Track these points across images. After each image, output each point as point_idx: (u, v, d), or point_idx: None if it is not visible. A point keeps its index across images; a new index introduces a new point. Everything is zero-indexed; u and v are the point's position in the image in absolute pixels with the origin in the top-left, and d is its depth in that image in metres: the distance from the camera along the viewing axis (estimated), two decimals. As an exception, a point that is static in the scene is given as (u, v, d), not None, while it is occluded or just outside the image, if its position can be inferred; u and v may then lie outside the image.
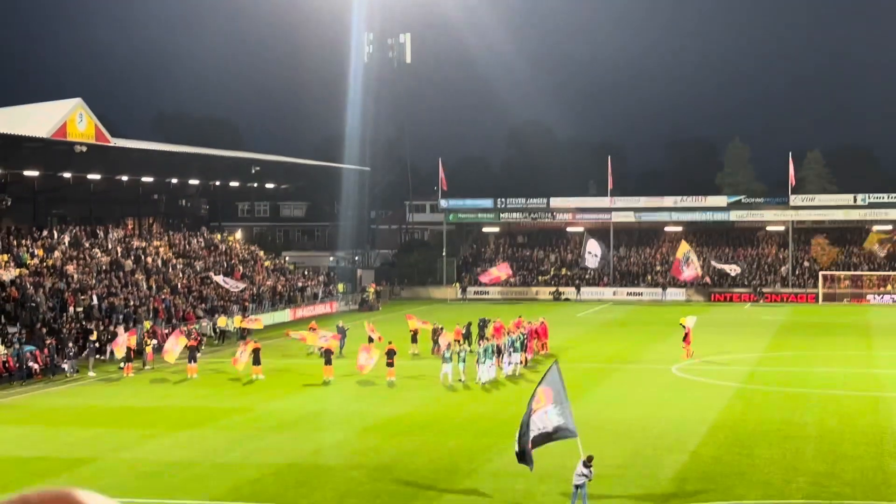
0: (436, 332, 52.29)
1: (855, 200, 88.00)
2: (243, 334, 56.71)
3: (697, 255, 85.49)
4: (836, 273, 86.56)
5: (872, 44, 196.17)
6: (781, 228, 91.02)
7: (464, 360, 41.83)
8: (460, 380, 41.05)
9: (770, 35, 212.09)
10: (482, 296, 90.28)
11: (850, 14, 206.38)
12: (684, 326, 50.20)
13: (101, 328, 51.83)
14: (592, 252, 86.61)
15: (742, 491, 25.19)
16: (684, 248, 79.89)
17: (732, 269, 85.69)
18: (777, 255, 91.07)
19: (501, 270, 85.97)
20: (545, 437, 23.80)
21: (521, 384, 41.43)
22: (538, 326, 50.69)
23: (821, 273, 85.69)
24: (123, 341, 46.74)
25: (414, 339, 51.84)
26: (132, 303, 58.18)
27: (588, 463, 22.89)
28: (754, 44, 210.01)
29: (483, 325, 52.28)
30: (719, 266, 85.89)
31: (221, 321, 60.70)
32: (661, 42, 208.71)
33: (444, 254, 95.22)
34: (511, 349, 43.41)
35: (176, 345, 45.71)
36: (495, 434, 31.62)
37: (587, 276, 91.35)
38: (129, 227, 74.77)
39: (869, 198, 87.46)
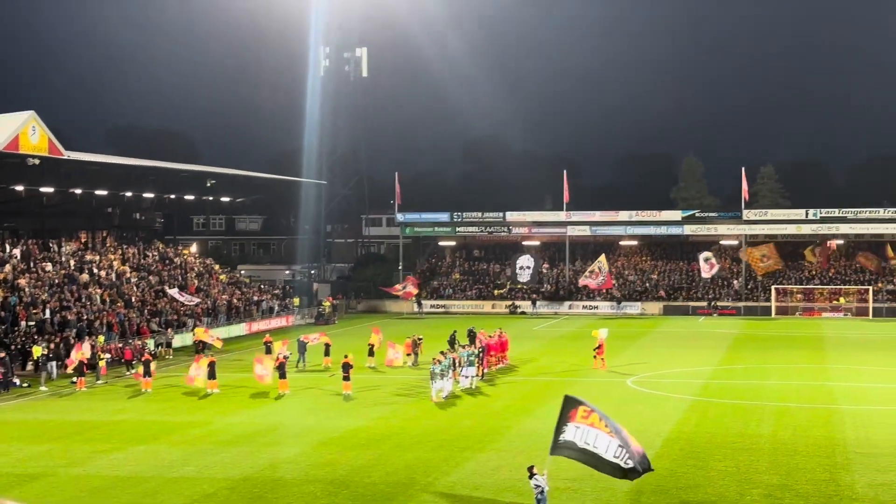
0: (416, 344, 52.59)
1: (807, 215, 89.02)
2: (199, 348, 56.40)
3: (652, 268, 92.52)
4: (789, 287, 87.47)
5: (824, 60, 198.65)
6: (735, 242, 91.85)
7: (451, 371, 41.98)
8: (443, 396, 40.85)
9: (724, 51, 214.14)
10: (438, 309, 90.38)
11: (802, 30, 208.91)
12: (596, 340, 51.08)
13: (54, 342, 51.25)
14: (524, 266, 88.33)
15: (697, 503, 25.34)
16: (602, 260, 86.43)
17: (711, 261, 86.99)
18: (730, 268, 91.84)
19: (409, 285, 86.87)
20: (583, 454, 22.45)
21: (479, 397, 41.53)
22: (496, 339, 50.83)
23: (773, 287, 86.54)
24: (74, 356, 46.42)
25: (371, 353, 51.79)
26: (85, 317, 57.62)
27: (532, 473, 22.77)
28: (709, 60, 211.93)
29: (471, 336, 52.20)
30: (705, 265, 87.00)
31: (200, 332, 60.42)
32: (616, 58, 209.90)
33: (400, 267, 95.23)
34: (466, 363, 43.40)
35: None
36: (452, 447, 31.62)
37: (542, 290, 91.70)
38: (83, 240, 74.09)
39: (820, 212, 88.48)
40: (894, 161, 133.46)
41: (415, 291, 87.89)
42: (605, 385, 45.29)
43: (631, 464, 21.30)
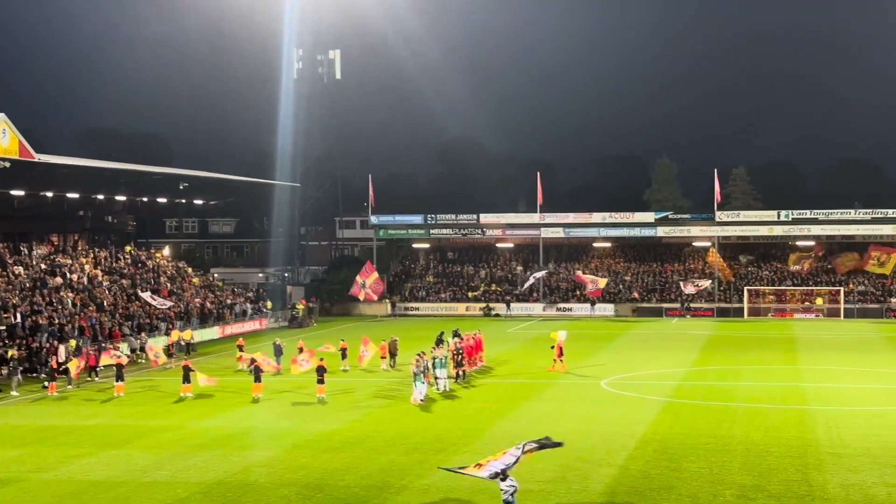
0: (392, 346, 52.62)
1: (779, 217, 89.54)
2: (187, 349, 57.91)
3: (625, 269, 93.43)
4: (761, 288, 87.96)
5: (796, 62, 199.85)
6: (707, 244, 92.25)
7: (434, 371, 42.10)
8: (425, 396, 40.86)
9: (697, 54, 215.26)
10: (412, 311, 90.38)
11: (774, 33, 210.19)
12: (554, 343, 51.32)
13: (25, 346, 50.95)
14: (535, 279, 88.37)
15: (670, 504, 25.46)
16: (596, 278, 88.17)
17: (701, 284, 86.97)
18: (703, 270, 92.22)
19: (367, 280, 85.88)
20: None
21: (453, 400, 41.55)
22: (473, 341, 50.92)
23: (746, 288, 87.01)
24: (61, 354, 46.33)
25: (344, 356, 51.74)
26: (57, 321, 57.27)
27: (506, 475, 22.92)
28: (681, 62, 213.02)
29: (439, 341, 52.20)
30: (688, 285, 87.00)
31: (187, 334, 61.96)
32: (589, 59, 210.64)
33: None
34: (439, 365, 43.38)
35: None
36: (426, 450, 31.61)
37: (516, 292, 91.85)
38: (54, 243, 73.60)
39: (792, 214, 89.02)
40: (866, 163, 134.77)
41: (377, 287, 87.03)
42: (579, 387, 45.39)
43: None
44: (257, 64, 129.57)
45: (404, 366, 48.83)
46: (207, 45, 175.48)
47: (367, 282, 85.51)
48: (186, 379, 43.65)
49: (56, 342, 52.62)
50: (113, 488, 27.66)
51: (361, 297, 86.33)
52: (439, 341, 50.68)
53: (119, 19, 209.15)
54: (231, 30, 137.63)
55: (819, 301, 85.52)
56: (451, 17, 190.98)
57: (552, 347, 51.03)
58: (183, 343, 60.64)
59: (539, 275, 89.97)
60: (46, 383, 45.97)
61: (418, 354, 42.30)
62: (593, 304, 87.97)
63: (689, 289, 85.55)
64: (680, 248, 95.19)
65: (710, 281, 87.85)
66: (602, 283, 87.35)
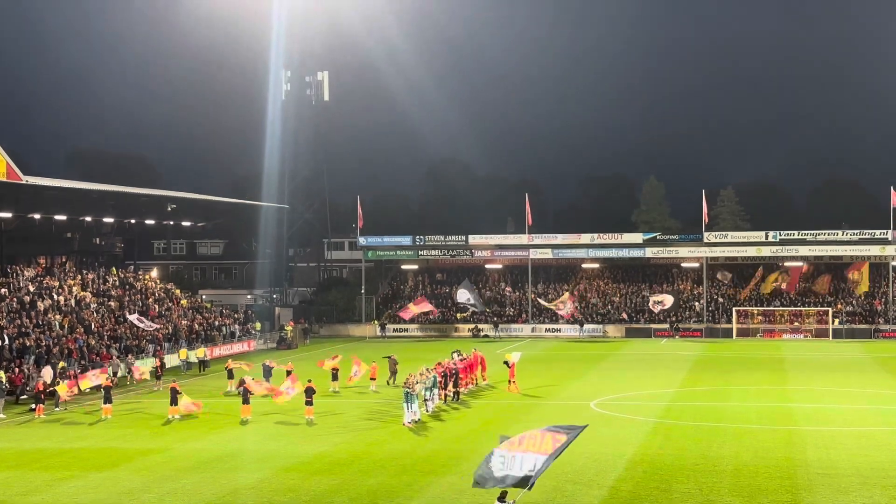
0: (392, 364, 52.88)
1: (766, 237, 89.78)
2: (201, 366, 60.05)
3: (614, 290, 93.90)
4: (750, 308, 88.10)
5: (784, 83, 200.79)
6: (696, 265, 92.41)
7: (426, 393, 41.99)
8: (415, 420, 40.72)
9: (684, 74, 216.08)
10: (401, 333, 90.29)
11: (762, 54, 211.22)
12: (508, 363, 51.93)
13: (13, 369, 50.70)
14: (467, 298, 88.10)
15: (660, 525, 25.39)
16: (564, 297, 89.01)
17: (662, 302, 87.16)
18: (692, 290, 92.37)
19: (420, 305, 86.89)
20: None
21: (443, 421, 41.42)
22: (470, 360, 51.00)
23: (734, 309, 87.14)
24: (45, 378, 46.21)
25: (334, 377, 51.63)
26: (44, 343, 57.03)
27: (504, 499, 22.67)
28: (670, 82, 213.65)
29: (457, 356, 52.14)
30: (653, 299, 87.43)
31: (200, 352, 64.22)
32: (577, 80, 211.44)
33: (362, 291, 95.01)
34: (429, 386, 43.30)
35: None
36: (415, 471, 31.51)
37: (506, 314, 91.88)
38: (42, 265, 73.38)
39: (780, 234, 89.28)
40: (853, 184, 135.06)
41: (425, 309, 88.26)
42: (569, 408, 45.34)
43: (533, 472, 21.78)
44: (245, 85, 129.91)
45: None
46: (195, 66, 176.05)
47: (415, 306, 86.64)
48: (174, 401, 43.48)
49: (42, 365, 52.27)
50: (100, 511, 27.48)
51: (417, 310, 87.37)
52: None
53: (106, 41, 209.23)
54: (219, 51, 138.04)
55: (804, 322, 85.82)
56: (438, 39, 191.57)
57: (505, 363, 51.89)
58: (196, 360, 63.14)
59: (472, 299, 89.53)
60: (33, 406, 45.73)
61: (410, 375, 42.27)
62: (582, 324, 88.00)
63: (655, 308, 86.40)
64: (668, 268, 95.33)
65: (672, 298, 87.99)
66: (568, 303, 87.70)
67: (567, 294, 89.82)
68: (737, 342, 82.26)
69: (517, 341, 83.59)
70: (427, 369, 45.36)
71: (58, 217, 71.06)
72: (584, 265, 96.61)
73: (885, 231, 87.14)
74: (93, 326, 63.70)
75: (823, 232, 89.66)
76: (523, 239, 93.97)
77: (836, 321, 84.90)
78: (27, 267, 70.76)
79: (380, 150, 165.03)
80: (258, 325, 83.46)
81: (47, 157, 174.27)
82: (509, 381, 50.92)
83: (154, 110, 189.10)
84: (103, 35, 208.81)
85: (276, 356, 66.52)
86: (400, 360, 55.14)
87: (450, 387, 46.82)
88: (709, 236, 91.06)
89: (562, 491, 28.49)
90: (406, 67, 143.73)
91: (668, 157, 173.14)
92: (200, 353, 64.45)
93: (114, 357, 59.92)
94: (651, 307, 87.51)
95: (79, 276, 73.03)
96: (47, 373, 50.53)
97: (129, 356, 60.51)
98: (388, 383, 52.29)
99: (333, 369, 52.10)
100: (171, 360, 63.39)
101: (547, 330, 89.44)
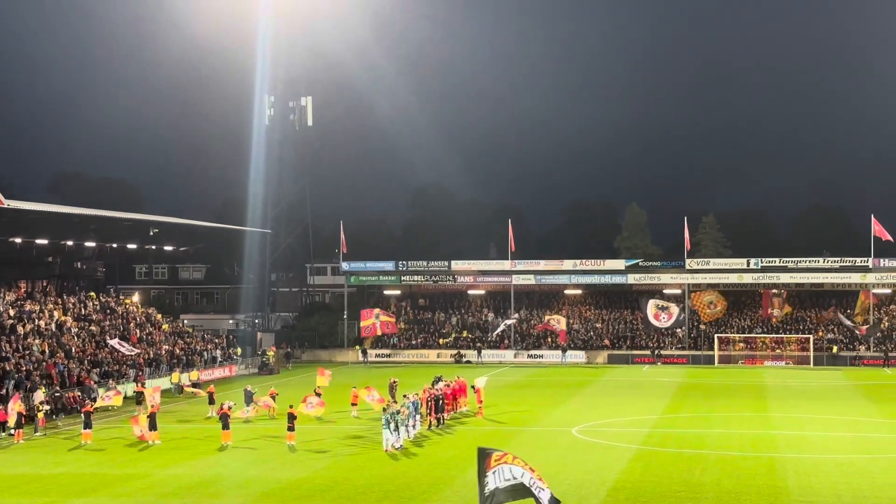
0: (392, 387, 53.04)
1: (748, 264, 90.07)
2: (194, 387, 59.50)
3: (596, 317, 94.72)
4: (731, 335, 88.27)
5: (766, 109, 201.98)
6: (678, 291, 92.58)
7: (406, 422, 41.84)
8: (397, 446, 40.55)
9: (666, 100, 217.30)
10: (383, 359, 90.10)
11: (743, 79, 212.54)
12: (475, 388, 52.43)
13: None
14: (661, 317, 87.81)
15: (642, 553, 25.33)
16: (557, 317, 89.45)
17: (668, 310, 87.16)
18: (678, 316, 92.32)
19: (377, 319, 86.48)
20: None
21: (425, 447, 41.30)
22: (454, 387, 50.90)
23: (716, 336, 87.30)
24: (12, 407, 45.78)
25: (353, 403, 51.86)
26: (24, 367, 56.67)
27: None
28: (651, 109, 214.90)
29: (437, 381, 52.04)
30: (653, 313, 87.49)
31: (194, 375, 65.60)
32: (559, 107, 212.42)
33: (345, 316, 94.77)
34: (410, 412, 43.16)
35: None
36: (397, 497, 31.38)
37: (488, 339, 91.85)
38: (22, 289, 73.01)
39: (762, 262, 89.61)
40: (835, 211, 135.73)
41: (387, 320, 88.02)
42: (551, 434, 45.28)
43: (543, 497, 21.18)
44: (229, 110, 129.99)
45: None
46: (179, 90, 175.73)
47: (379, 318, 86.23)
48: (153, 426, 43.27)
49: (12, 390, 51.84)
50: (78, 538, 27.28)
51: (379, 332, 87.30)
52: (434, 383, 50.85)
53: (89, 63, 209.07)
54: (203, 75, 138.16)
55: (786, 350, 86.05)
56: (422, 64, 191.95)
57: (472, 387, 52.34)
58: (189, 382, 63.47)
59: (510, 321, 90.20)
60: (12, 431, 45.42)
61: (390, 402, 42.21)
62: (564, 350, 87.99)
63: (661, 321, 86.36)
64: (651, 294, 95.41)
65: (677, 308, 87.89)
66: (563, 322, 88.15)
67: (564, 318, 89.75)
68: (719, 368, 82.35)
69: (499, 367, 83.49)
70: (406, 396, 45.32)
71: (39, 241, 70.77)
72: (566, 291, 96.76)
73: (865, 259, 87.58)
74: (73, 351, 63.35)
75: (805, 259, 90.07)
76: (506, 265, 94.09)
77: (835, 348, 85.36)
78: (7, 291, 70.37)
79: (363, 175, 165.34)
80: (239, 350, 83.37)
81: (29, 180, 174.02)
82: (478, 406, 51.30)
83: (137, 134, 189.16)
84: (86, 59, 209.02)
85: (258, 381, 66.34)
86: (379, 387, 54.87)
87: (432, 413, 46.71)
88: (691, 263, 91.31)
89: (543, 518, 28.37)
90: (389, 93, 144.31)
91: (650, 183, 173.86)
92: (194, 376, 65.41)
93: (93, 382, 59.59)
94: (654, 318, 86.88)
95: (59, 301, 72.67)
96: (38, 396, 50.57)
97: (110, 381, 60.19)
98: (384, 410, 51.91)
99: (317, 388, 52.61)
100: (151, 384, 62.97)
101: (529, 356, 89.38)
